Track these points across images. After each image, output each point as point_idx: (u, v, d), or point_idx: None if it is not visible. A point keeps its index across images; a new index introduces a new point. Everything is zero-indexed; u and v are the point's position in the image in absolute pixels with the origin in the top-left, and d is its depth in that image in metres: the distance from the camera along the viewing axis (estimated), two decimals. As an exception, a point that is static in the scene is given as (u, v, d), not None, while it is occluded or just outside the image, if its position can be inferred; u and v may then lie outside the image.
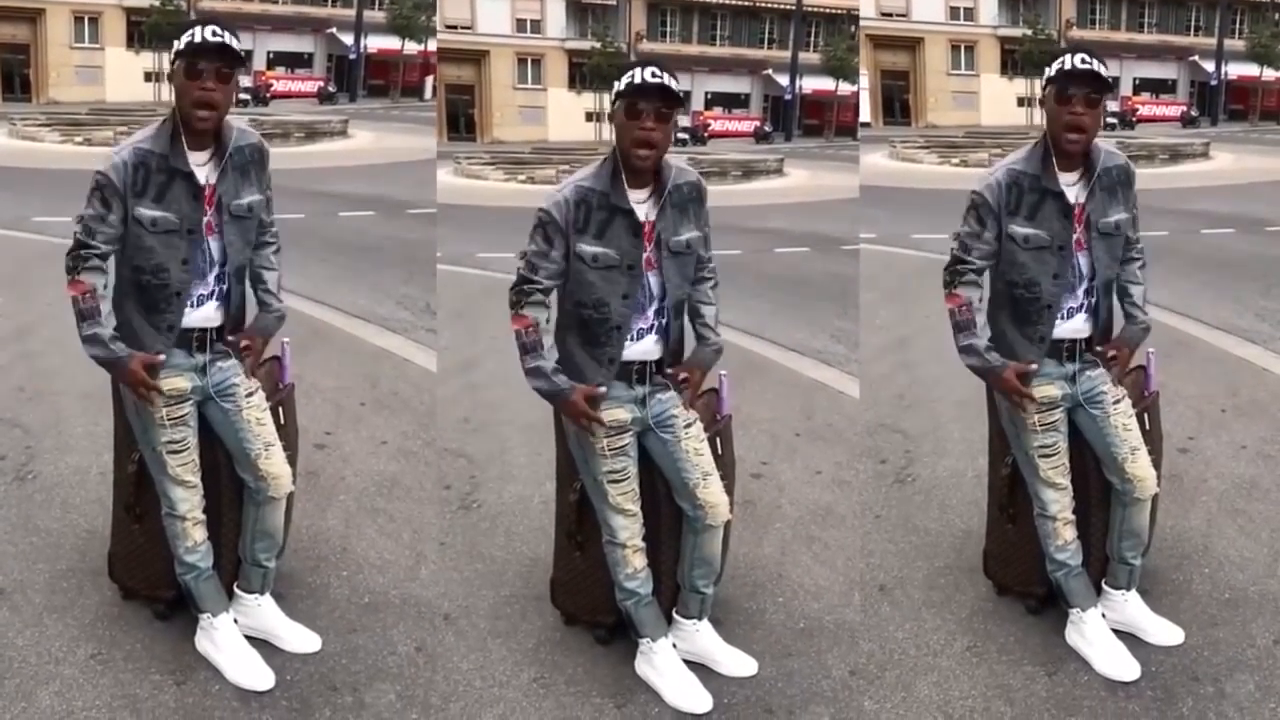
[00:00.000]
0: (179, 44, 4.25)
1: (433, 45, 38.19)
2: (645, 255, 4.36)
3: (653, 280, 4.40)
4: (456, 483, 6.31)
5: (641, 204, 4.35)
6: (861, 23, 38.79)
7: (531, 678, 4.62)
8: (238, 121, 4.46)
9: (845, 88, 38.85)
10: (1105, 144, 4.59)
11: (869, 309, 9.97)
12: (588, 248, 4.30)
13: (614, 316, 4.34)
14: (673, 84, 4.26)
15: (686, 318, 4.56)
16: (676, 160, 4.46)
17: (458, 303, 10.44)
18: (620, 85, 4.28)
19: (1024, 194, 4.48)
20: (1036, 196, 4.47)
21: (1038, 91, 4.58)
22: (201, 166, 4.32)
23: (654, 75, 4.24)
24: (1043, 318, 4.52)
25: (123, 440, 4.66)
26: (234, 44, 4.26)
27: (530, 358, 4.31)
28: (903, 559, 5.52)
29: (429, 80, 38.79)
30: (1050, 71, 4.46)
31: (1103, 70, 4.41)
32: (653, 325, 4.42)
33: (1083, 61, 4.39)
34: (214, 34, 4.24)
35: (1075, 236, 4.50)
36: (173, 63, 4.28)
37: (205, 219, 4.33)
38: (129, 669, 4.51)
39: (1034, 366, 4.53)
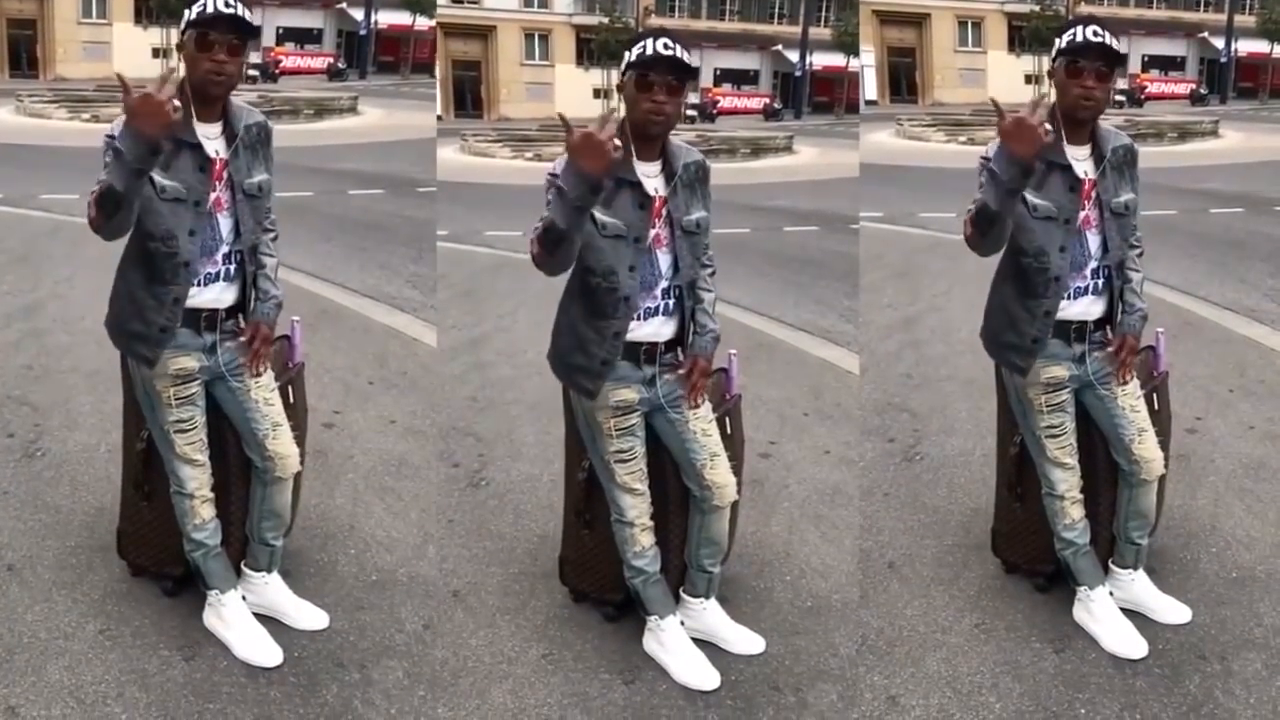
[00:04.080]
0: (190, 14, 4.17)
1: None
2: (655, 232, 4.32)
3: (662, 258, 4.35)
4: (465, 461, 6.32)
5: (651, 178, 4.32)
6: (867, -1, 38.69)
7: (540, 654, 4.64)
8: (240, 99, 4.42)
9: (856, 64, 38.72)
10: (1107, 124, 4.57)
11: (876, 288, 9.96)
12: (597, 214, 4.21)
13: (622, 287, 4.27)
14: (685, 56, 4.21)
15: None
16: (679, 140, 4.44)
17: (465, 281, 10.44)
18: (631, 56, 4.21)
19: None
20: (1043, 167, 4.37)
21: (1045, 68, 4.54)
22: (211, 140, 4.28)
23: (666, 47, 4.16)
24: (1049, 291, 4.47)
25: (131, 418, 4.66)
26: (247, 16, 4.21)
27: (551, 209, 4.03)
28: (911, 537, 5.52)
29: (439, 56, 38.77)
30: (1061, 43, 4.38)
31: (1114, 44, 4.36)
32: (660, 305, 4.37)
33: (1095, 34, 4.32)
34: (226, 5, 4.18)
35: (1084, 214, 4.46)
36: (183, 33, 4.22)
37: (215, 194, 4.28)
38: (137, 644, 4.52)
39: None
